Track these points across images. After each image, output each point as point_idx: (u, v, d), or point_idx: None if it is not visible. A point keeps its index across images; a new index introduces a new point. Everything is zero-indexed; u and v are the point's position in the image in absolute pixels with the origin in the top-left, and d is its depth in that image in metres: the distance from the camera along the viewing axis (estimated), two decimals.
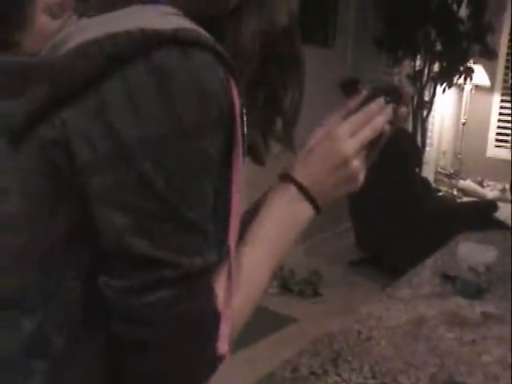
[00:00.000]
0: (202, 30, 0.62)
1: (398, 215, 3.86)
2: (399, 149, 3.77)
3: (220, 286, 0.67)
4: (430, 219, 3.74)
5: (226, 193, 0.67)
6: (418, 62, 5.24)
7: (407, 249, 3.73)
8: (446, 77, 5.20)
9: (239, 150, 0.66)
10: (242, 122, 0.67)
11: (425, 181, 4.48)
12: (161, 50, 0.58)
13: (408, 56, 5.10)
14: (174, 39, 0.58)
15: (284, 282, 3.82)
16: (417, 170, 4.11)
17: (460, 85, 5.65)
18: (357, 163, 0.79)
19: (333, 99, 4.50)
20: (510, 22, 5.79)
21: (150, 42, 0.58)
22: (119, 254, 0.60)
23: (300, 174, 0.79)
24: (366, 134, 0.79)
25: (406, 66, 5.39)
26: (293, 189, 0.79)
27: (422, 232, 3.72)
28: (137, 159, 0.58)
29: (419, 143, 5.19)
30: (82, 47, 0.59)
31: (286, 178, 0.80)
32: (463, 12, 5.06)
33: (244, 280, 0.72)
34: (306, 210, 0.79)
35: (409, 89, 0.93)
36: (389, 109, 0.82)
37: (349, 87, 4.69)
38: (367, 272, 4.25)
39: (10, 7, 0.82)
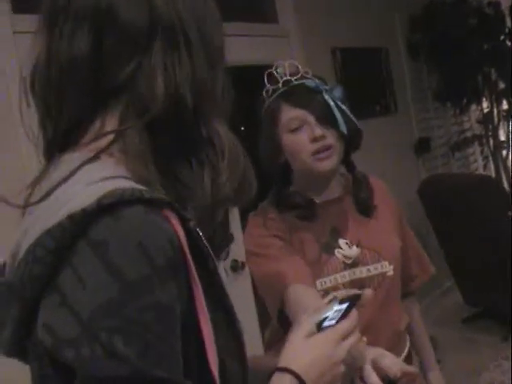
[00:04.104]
0: (128, 185, 0.64)
1: (500, 264, 3.74)
2: (482, 200, 3.71)
3: None
4: None
5: (196, 337, 0.66)
6: (485, 105, 5.18)
7: None
8: None
9: (197, 283, 0.66)
10: (201, 241, 0.68)
11: None
12: (94, 224, 0.61)
13: (473, 101, 5.06)
14: (100, 209, 0.61)
15: None
16: (509, 213, 3.99)
17: None
18: (342, 367, 0.85)
19: (406, 162, 4.50)
20: None
21: (82, 222, 0.61)
22: None
23: (298, 368, 0.82)
24: (355, 339, 0.86)
25: (475, 111, 5.33)
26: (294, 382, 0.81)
27: None
28: (95, 332, 0.59)
29: (505, 184, 5.06)
30: (30, 252, 0.64)
31: (287, 371, 0.82)
32: None
33: None
34: None
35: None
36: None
37: (420, 148, 4.70)
38: (483, 326, 4.08)
39: None
